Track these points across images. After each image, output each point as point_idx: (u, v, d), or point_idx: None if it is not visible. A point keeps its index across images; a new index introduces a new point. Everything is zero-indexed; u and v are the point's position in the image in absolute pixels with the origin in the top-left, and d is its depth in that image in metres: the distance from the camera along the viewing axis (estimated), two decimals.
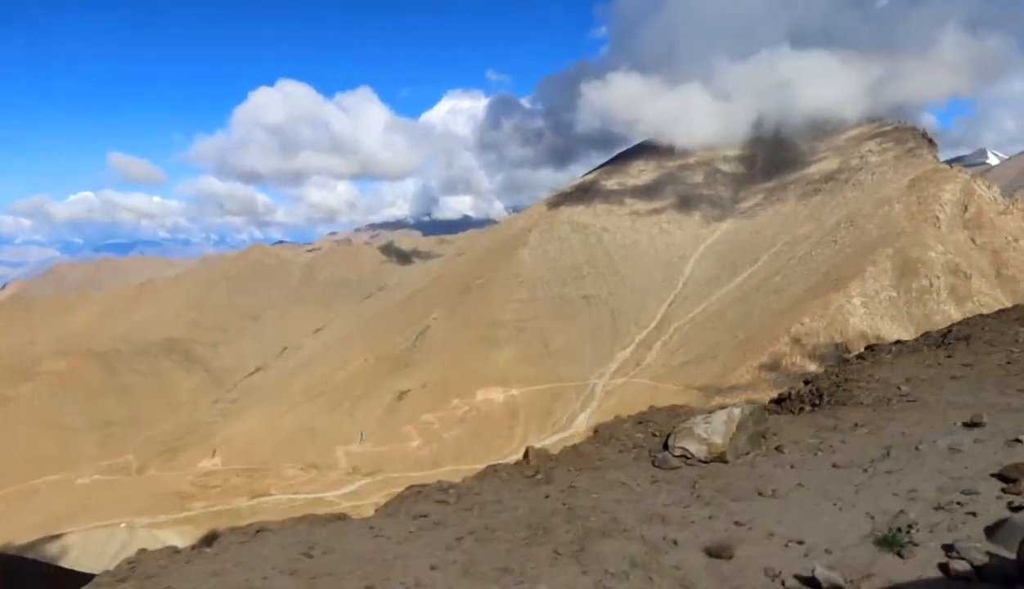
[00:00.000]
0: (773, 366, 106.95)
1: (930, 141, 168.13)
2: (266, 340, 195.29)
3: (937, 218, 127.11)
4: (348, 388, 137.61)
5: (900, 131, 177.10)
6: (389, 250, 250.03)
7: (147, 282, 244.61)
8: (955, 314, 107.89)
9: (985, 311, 79.37)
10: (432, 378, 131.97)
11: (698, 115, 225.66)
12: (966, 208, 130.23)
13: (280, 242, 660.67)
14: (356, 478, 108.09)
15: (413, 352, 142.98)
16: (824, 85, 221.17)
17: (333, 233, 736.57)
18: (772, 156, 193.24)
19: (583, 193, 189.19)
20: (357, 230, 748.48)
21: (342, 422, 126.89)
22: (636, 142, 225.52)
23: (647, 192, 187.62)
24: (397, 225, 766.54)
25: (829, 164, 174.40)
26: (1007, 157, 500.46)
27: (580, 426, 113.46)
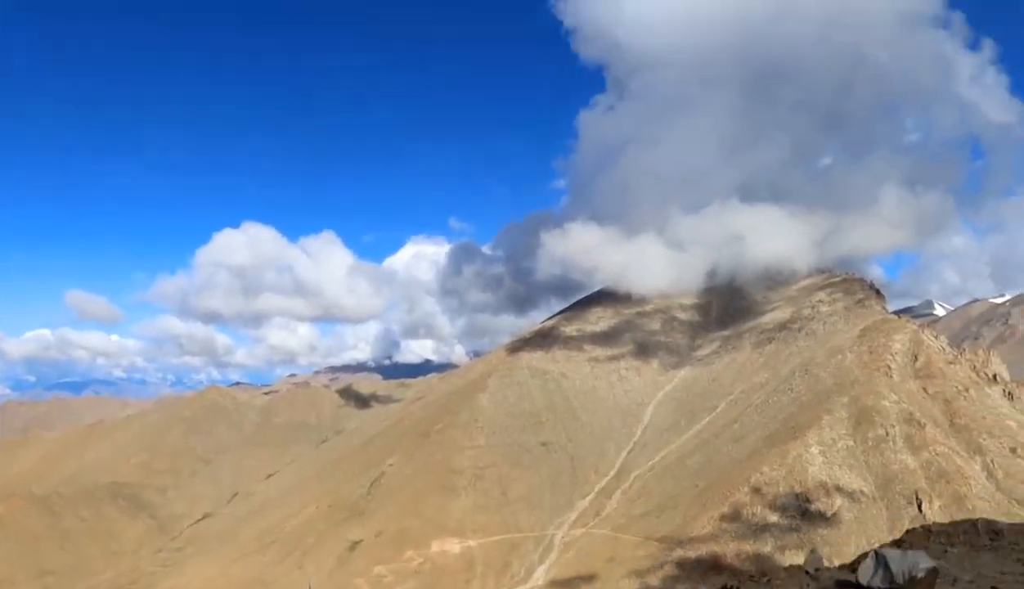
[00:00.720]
0: (734, 516, 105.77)
1: (878, 292, 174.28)
2: (218, 485, 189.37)
3: (889, 367, 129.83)
4: (299, 537, 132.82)
5: (849, 282, 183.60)
6: (347, 394, 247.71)
7: (98, 423, 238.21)
8: (911, 463, 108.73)
9: (942, 461, 79.00)
10: (387, 527, 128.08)
11: (654, 264, 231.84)
12: (916, 358, 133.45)
13: (238, 384, 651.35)
14: None
15: (368, 500, 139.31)
16: (774, 238, 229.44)
17: (292, 375, 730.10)
18: (727, 305, 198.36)
19: (542, 339, 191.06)
20: (317, 372, 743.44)
21: (292, 574, 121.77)
22: (594, 289, 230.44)
23: (605, 339, 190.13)
24: (358, 368, 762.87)
25: (782, 314, 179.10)
26: (952, 308, 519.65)
27: (538, 580, 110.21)
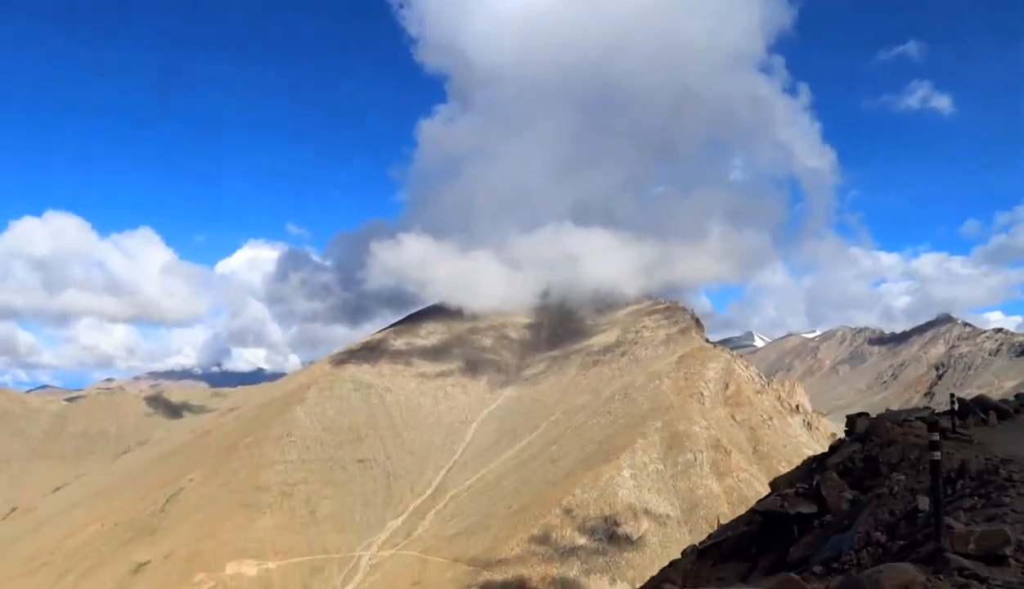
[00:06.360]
0: (544, 539, 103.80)
1: (697, 321, 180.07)
2: None
3: (702, 394, 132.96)
4: (76, 559, 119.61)
5: (673, 310, 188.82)
6: (157, 401, 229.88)
7: None
8: (716, 488, 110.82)
9: (743, 487, 79.57)
10: (178, 548, 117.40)
11: (488, 281, 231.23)
12: (727, 386, 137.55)
13: (45, 386, 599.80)
14: None
15: (161, 518, 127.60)
16: (605, 262, 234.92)
17: (109, 380, 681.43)
18: (557, 326, 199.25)
19: (370, 352, 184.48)
20: (137, 378, 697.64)
21: None
22: (428, 304, 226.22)
23: (435, 354, 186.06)
24: (183, 375, 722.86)
25: (609, 337, 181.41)
26: (770, 340, 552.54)
27: None
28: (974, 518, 10.71)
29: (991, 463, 14.26)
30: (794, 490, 18.39)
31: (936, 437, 9.68)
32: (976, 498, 11.89)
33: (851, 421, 23.12)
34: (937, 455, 9.50)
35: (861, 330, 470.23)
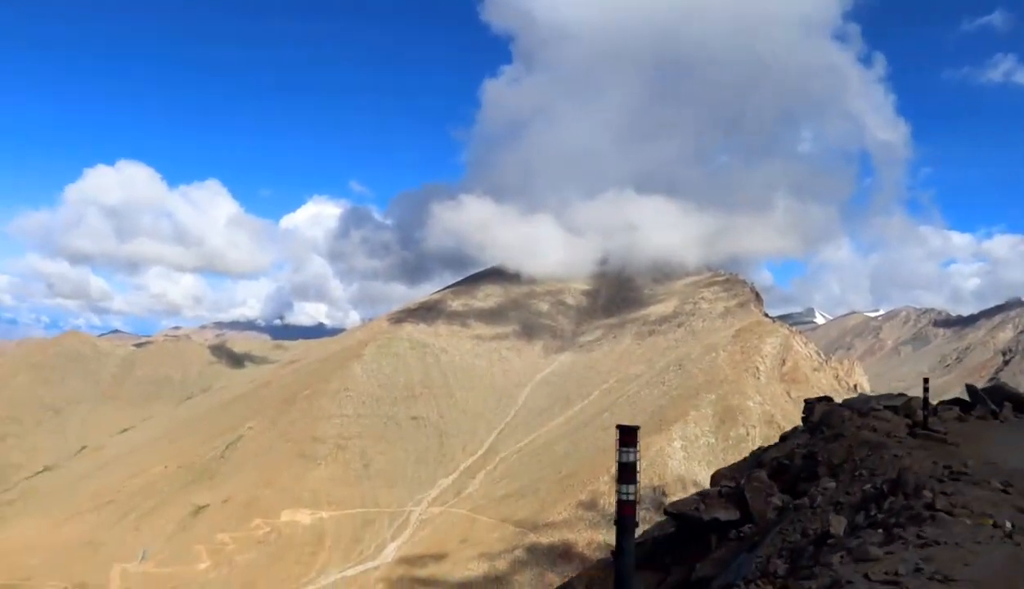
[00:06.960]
0: (591, 505, 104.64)
1: (757, 295, 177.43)
2: (65, 437, 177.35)
3: (757, 369, 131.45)
4: (140, 498, 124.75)
5: (732, 283, 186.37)
6: (220, 351, 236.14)
7: None
8: None
9: None
10: (236, 494, 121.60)
11: (547, 246, 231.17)
12: (784, 362, 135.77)
13: (116, 331, 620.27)
14: None
15: (220, 463, 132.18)
16: (665, 231, 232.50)
17: (176, 328, 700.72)
18: (615, 294, 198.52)
19: (427, 311, 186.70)
20: (203, 327, 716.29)
21: (126, 536, 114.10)
22: (486, 266, 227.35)
23: (491, 316, 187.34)
24: (247, 326, 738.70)
25: (666, 307, 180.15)
26: (831, 318, 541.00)
27: (388, 557, 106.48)
28: (836, 572, 8.67)
29: (934, 475, 11.90)
30: (718, 490, 16.47)
31: (631, 457, 6.60)
32: (886, 529, 10.06)
33: (809, 406, 20.31)
34: (630, 494, 6.57)
35: (926, 311, 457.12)
